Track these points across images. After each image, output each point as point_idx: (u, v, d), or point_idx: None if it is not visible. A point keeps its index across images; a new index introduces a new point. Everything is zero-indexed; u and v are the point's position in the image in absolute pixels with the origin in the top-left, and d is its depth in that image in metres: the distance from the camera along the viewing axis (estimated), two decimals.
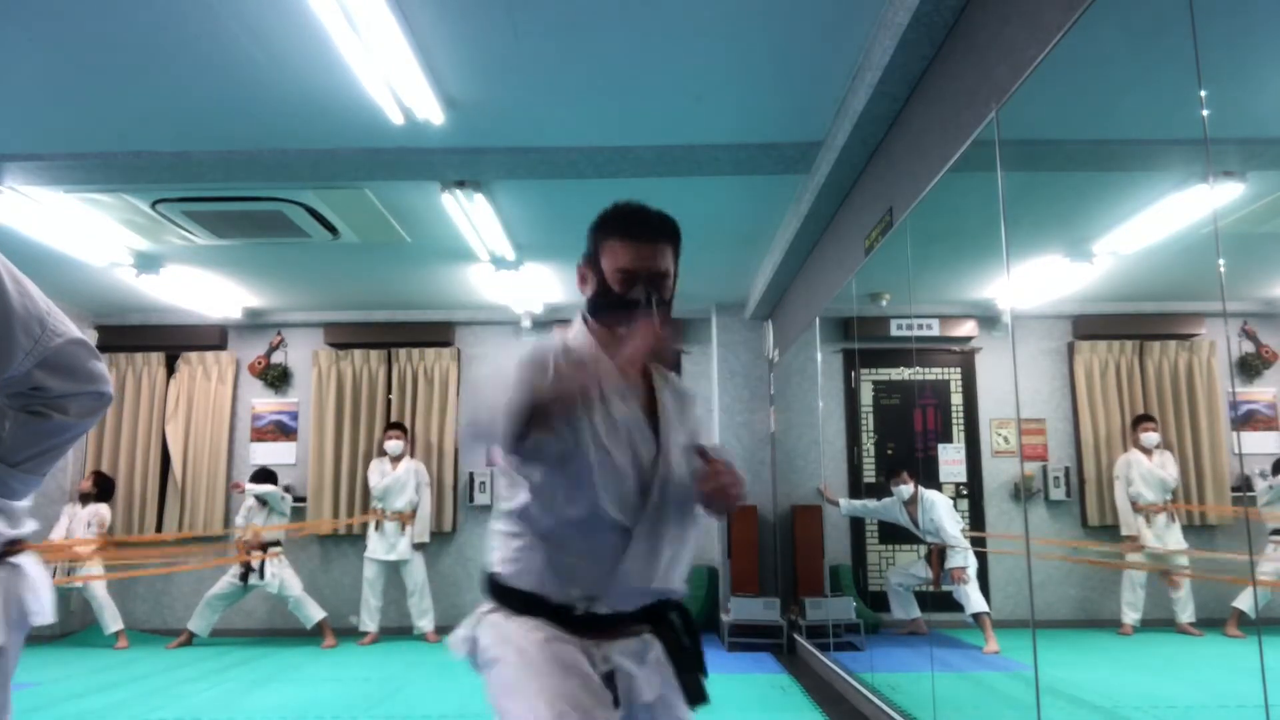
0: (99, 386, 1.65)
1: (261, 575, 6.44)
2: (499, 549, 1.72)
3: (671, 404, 1.76)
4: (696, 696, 1.72)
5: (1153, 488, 4.27)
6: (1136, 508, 4.29)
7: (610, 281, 1.70)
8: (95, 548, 6.48)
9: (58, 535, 6.55)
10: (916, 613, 5.34)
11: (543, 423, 1.53)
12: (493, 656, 1.65)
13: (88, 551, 6.44)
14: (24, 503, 2.10)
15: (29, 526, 2.08)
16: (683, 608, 1.78)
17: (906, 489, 5.26)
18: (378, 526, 6.67)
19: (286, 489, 7.03)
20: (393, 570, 6.68)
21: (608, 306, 1.71)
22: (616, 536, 1.65)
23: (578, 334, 1.77)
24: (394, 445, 6.83)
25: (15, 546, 2.07)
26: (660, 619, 1.73)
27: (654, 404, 1.75)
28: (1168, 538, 4.23)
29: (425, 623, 6.63)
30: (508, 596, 1.68)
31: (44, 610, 2.01)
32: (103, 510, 6.70)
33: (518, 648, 1.61)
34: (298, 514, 7.05)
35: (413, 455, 7.10)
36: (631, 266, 1.68)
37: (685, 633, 1.75)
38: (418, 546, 6.74)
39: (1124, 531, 4.42)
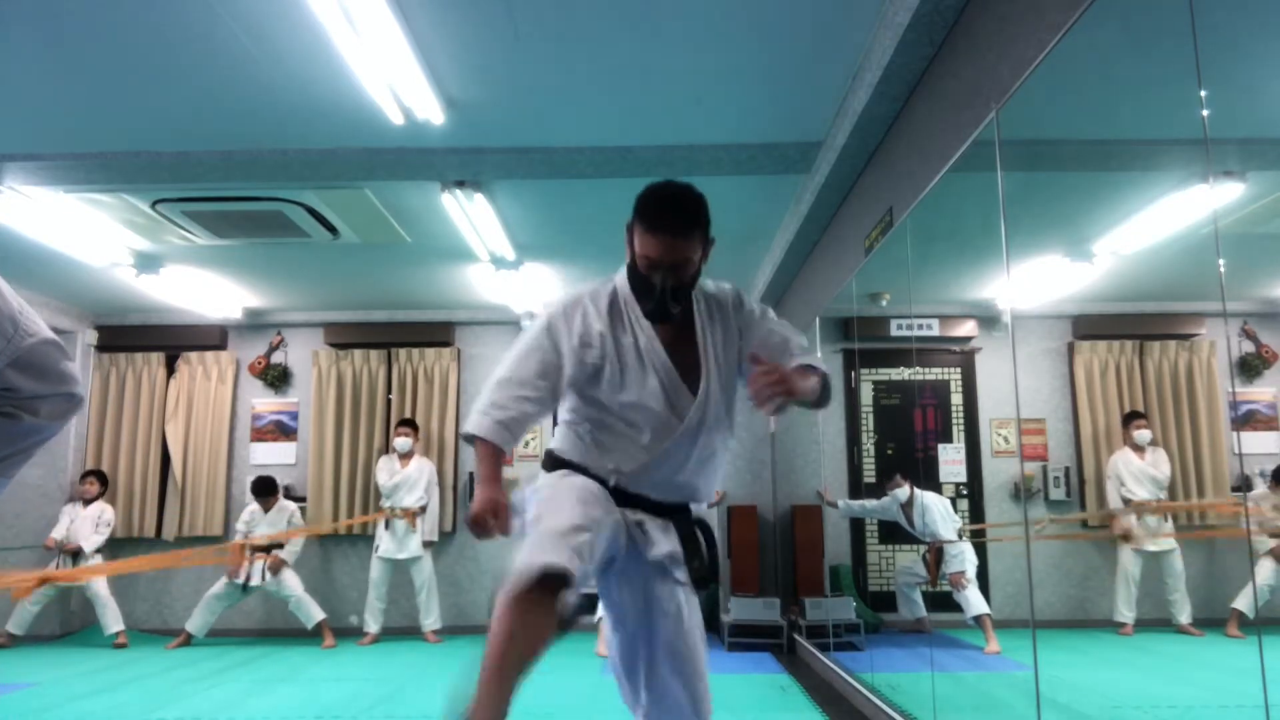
0: (70, 388, 1.63)
1: (263, 577, 6.44)
2: (558, 432, 2.12)
3: (712, 333, 2.04)
4: (711, 572, 2.03)
5: (1144, 485, 4.28)
6: (1129, 505, 4.30)
7: (637, 262, 1.95)
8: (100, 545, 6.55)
9: (58, 535, 6.55)
10: (922, 613, 5.34)
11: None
12: (533, 495, 2.00)
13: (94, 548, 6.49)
14: None
15: None
16: (706, 526, 2.08)
17: (902, 492, 5.26)
18: (387, 525, 6.66)
19: (287, 489, 7.04)
20: (399, 570, 6.68)
21: (634, 280, 1.99)
22: (651, 446, 1.99)
23: (618, 279, 2.07)
24: (403, 442, 6.82)
25: None
26: (682, 519, 2.04)
27: (693, 341, 2.04)
28: (1160, 535, 4.24)
29: (431, 621, 6.63)
30: (555, 464, 2.06)
31: None
32: (108, 510, 6.72)
33: (551, 481, 2.01)
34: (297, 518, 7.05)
35: (423, 453, 7.11)
36: (652, 256, 1.91)
37: (705, 542, 2.05)
38: (427, 544, 6.74)
39: (1116, 530, 4.42)
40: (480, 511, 1.87)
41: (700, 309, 2.05)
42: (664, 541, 1.98)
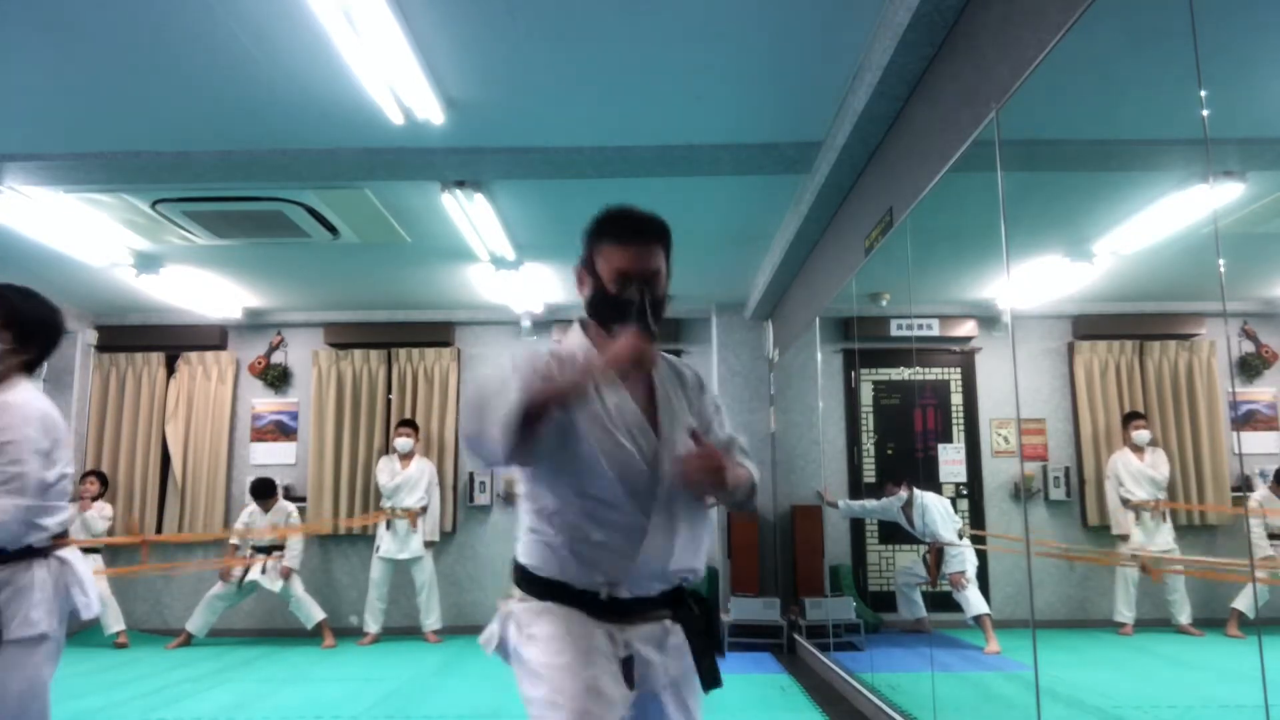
0: None
1: (263, 571, 6.45)
2: (524, 540, 1.82)
3: (673, 394, 1.86)
4: (711, 680, 1.81)
5: (1143, 486, 4.28)
6: (1128, 505, 4.30)
7: (606, 283, 1.78)
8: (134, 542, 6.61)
9: None
10: (923, 613, 5.34)
11: (536, 425, 1.59)
12: (519, 653, 1.74)
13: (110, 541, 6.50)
14: (65, 500, 2.36)
15: (65, 515, 2.38)
16: (701, 597, 1.87)
17: (898, 499, 5.26)
18: (389, 526, 6.66)
19: (287, 489, 7.04)
20: (399, 570, 6.68)
21: (605, 306, 1.80)
22: (634, 522, 1.73)
23: (571, 339, 1.87)
24: (404, 443, 6.82)
25: (60, 540, 2.36)
26: (680, 603, 1.81)
27: (654, 397, 1.83)
28: (1158, 536, 4.24)
29: (431, 621, 6.63)
30: (533, 585, 1.78)
31: (91, 604, 2.37)
32: (106, 509, 6.73)
33: (541, 646, 1.70)
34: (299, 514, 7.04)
35: (423, 453, 7.11)
36: (625, 268, 1.76)
37: (703, 620, 1.83)
38: (428, 544, 6.75)
39: (1114, 530, 4.43)
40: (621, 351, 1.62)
41: (659, 369, 1.86)
42: (670, 661, 1.78)
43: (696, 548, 1.83)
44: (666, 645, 1.78)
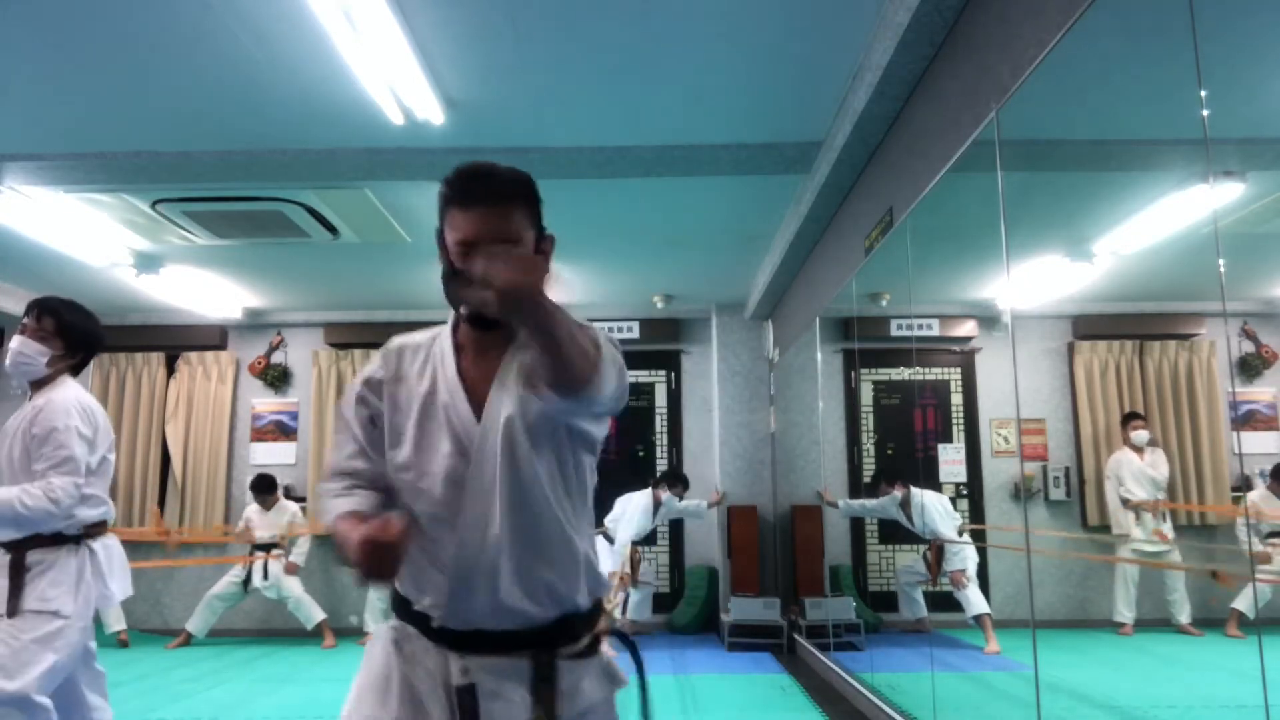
0: None
1: (266, 575, 6.45)
2: None
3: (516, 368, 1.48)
4: None
5: (1143, 486, 4.28)
6: (1128, 505, 4.30)
7: (452, 257, 1.45)
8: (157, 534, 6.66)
9: None
10: (924, 612, 5.35)
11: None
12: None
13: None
14: (101, 491, 2.62)
15: (102, 509, 2.63)
16: (625, 637, 1.56)
17: (895, 497, 5.27)
18: None
19: (287, 489, 7.04)
20: None
21: (448, 286, 1.47)
22: (455, 525, 1.40)
23: (442, 339, 1.59)
24: None
25: (94, 530, 2.63)
26: (549, 644, 1.44)
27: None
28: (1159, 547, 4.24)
29: None
30: (394, 601, 1.53)
31: (111, 596, 2.75)
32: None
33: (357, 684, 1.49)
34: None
35: None
36: (466, 235, 1.42)
37: (547, 670, 1.44)
38: None
39: (1115, 530, 4.43)
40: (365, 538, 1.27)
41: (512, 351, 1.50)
42: (525, 701, 1.41)
43: (556, 573, 1.44)
44: (526, 680, 1.42)
